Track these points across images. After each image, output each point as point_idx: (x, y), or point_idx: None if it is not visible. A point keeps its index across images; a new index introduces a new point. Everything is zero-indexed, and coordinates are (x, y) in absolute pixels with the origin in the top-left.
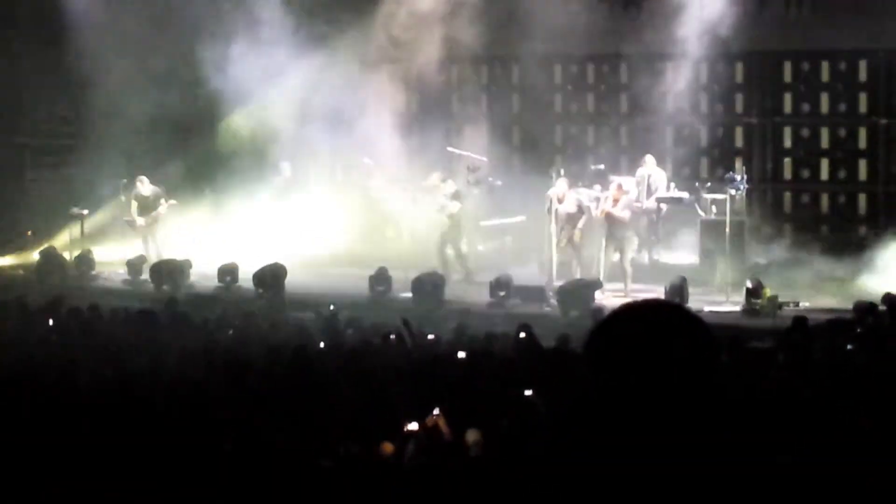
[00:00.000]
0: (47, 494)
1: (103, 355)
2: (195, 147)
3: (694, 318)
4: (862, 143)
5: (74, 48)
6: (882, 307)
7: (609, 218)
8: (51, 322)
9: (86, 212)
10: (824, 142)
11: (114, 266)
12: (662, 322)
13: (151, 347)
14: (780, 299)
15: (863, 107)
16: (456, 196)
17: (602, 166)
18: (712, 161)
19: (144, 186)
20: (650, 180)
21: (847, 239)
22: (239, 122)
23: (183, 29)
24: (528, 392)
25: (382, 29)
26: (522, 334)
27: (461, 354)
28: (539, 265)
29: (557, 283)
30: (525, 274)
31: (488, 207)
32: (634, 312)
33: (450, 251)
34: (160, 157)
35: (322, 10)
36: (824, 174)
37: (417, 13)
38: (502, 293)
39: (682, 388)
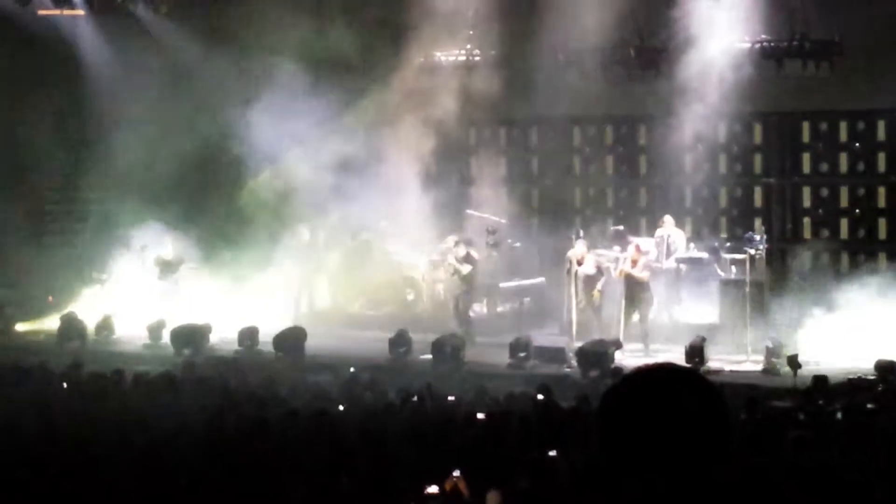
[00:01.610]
0: None
1: (126, 420)
2: (215, 211)
3: (706, 383)
4: (881, 201)
5: (93, 111)
6: None
7: (628, 279)
8: (70, 387)
9: (105, 276)
10: (843, 201)
11: (134, 330)
12: (674, 387)
13: (173, 412)
14: (801, 358)
15: (881, 166)
16: (467, 259)
17: (621, 227)
18: (731, 221)
19: (166, 250)
20: (669, 241)
21: None
22: (259, 185)
23: (204, 93)
24: (551, 453)
25: (402, 94)
26: (541, 396)
27: (480, 416)
28: (559, 326)
29: (577, 344)
30: (545, 335)
31: (507, 269)
32: (646, 377)
33: (458, 310)
34: (180, 220)
35: (343, 77)
36: (844, 233)
37: (437, 78)
38: (522, 354)
39: (693, 454)
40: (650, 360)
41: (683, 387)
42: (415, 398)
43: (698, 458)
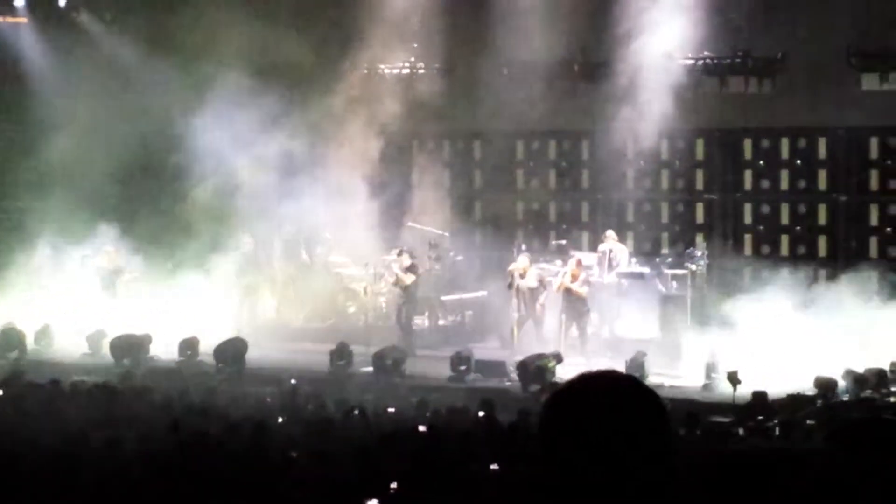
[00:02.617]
0: None
1: (62, 430)
2: (156, 219)
3: (646, 389)
4: (822, 219)
5: (33, 118)
6: (842, 382)
7: (568, 293)
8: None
9: (46, 285)
10: (784, 218)
11: (73, 340)
12: (615, 393)
13: (111, 422)
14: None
15: (822, 184)
16: (410, 269)
17: (563, 242)
18: (673, 237)
19: (107, 259)
20: (611, 255)
21: None
22: (201, 193)
23: (147, 100)
24: (492, 466)
25: (346, 104)
26: (482, 412)
27: (422, 429)
28: (500, 340)
29: (518, 358)
30: (486, 349)
31: (449, 282)
32: (587, 384)
33: (400, 323)
34: (120, 229)
35: (286, 87)
36: (784, 250)
37: (381, 89)
38: (463, 368)
39: (635, 461)
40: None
41: (625, 393)
42: (355, 411)
43: (640, 463)
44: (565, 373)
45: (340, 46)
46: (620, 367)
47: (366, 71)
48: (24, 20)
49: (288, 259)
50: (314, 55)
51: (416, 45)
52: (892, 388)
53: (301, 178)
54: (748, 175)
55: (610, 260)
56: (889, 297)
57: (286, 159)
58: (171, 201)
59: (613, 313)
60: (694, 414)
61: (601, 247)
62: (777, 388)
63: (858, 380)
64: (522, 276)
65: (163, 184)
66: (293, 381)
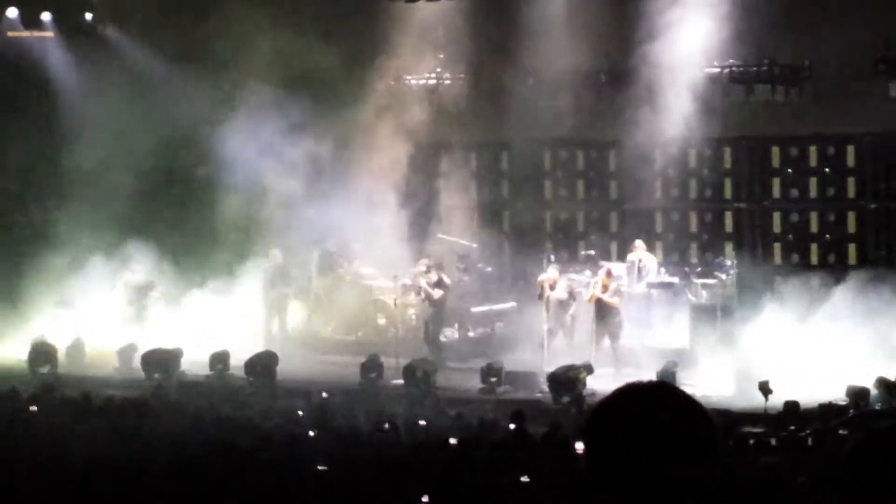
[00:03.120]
0: None
1: (95, 444)
2: (186, 233)
3: (691, 400)
4: (851, 227)
5: (64, 132)
6: (874, 391)
7: (599, 303)
8: (41, 411)
9: (78, 301)
10: (814, 226)
11: (105, 355)
12: (661, 404)
13: (143, 436)
14: (772, 384)
15: (851, 191)
16: (439, 284)
17: (592, 252)
18: (702, 246)
19: (136, 275)
20: (640, 265)
21: None
22: (230, 206)
23: (175, 112)
24: (523, 479)
25: (373, 116)
26: (513, 424)
27: (452, 441)
28: (530, 351)
29: (548, 369)
30: (516, 360)
31: (479, 294)
32: (632, 395)
33: (430, 335)
34: (151, 243)
35: (314, 99)
36: (814, 258)
37: (408, 100)
38: (493, 379)
39: (681, 472)
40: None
41: (671, 403)
42: (386, 424)
43: (687, 470)
44: (596, 384)
45: (367, 56)
46: (651, 377)
47: (392, 81)
48: (50, 34)
49: (324, 272)
50: (341, 65)
51: (441, 55)
52: None
53: (329, 188)
54: (776, 183)
55: (639, 270)
56: None
57: (313, 169)
58: (199, 213)
59: (643, 323)
60: (726, 425)
61: (630, 256)
62: (809, 398)
63: (891, 388)
64: (552, 287)
65: (191, 195)
66: (324, 395)
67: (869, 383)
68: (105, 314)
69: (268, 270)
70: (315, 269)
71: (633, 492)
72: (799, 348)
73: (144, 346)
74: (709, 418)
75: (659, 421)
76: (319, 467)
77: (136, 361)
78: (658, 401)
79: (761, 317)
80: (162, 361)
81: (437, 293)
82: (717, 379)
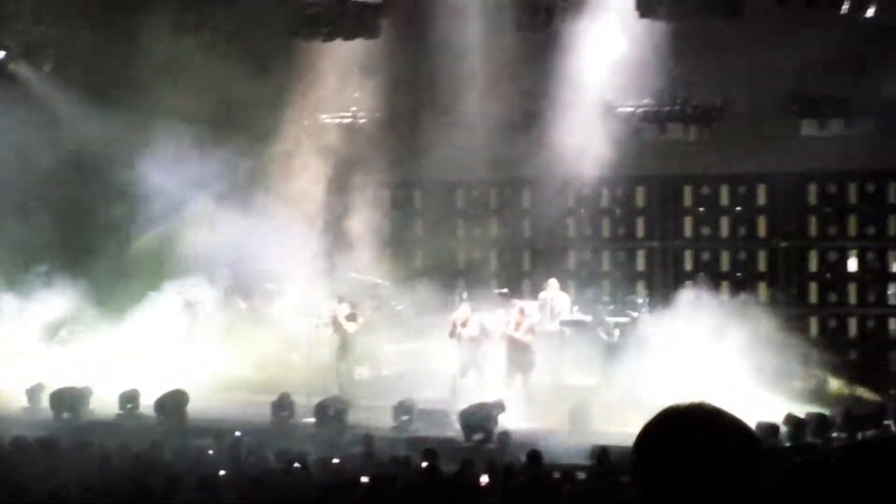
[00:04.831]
0: None
1: (3, 485)
2: (97, 271)
3: (735, 419)
4: (762, 265)
5: None
6: (784, 427)
7: (511, 341)
8: None
9: None
10: (724, 264)
11: (13, 394)
12: (705, 424)
13: (51, 477)
14: None
15: (762, 230)
16: (352, 318)
17: (505, 290)
18: (614, 284)
19: (48, 311)
20: (553, 303)
21: None
22: (142, 244)
23: (88, 151)
24: None
25: (287, 155)
26: (425, 462)
27: (364, 479)
28: (442, 389)
29: (461, 407)
30: (428, 398)
31: (390, 332)
32: (676, 417)
33: (342, 373)
34: (61, 281)
35: (228, 137)
36: (725, 296)
37: (322, 139)
38: (406, 417)
39: (728, 489)
40: (533, 424)
41: (713, 421)
42: (296, 463)
43: (733, 490)
44: (508, 422)
45: (283, 94)
46: (564, 416)
47: (308, 119)
48: None
49: (224, 308)
50: (257, 102)
51: (357, 94)
52: (834, 434)
53: (242, 223)
54: (688, 222)
55: (552, 308)
56: None
57: (227, 211)
58: (111, 250)
59: (556, 361)
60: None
61: (542, 294)
62: None
63: (800, 426)
64: (464, 324)
65: (104, 236)
66: (237, 433)
67: (778, 420)
68: (13, 350)
69: (179, 308)
70: (214, 306)
71: None
72: (712, 385)
73: (53, 385)
74: (753, 436)
75: (705, 441)
76: None
77: (45, 400)
78: (702, 421)
79: (673, 354)
80: (71, 400)
81: (350, 327)
82: (630, 416)
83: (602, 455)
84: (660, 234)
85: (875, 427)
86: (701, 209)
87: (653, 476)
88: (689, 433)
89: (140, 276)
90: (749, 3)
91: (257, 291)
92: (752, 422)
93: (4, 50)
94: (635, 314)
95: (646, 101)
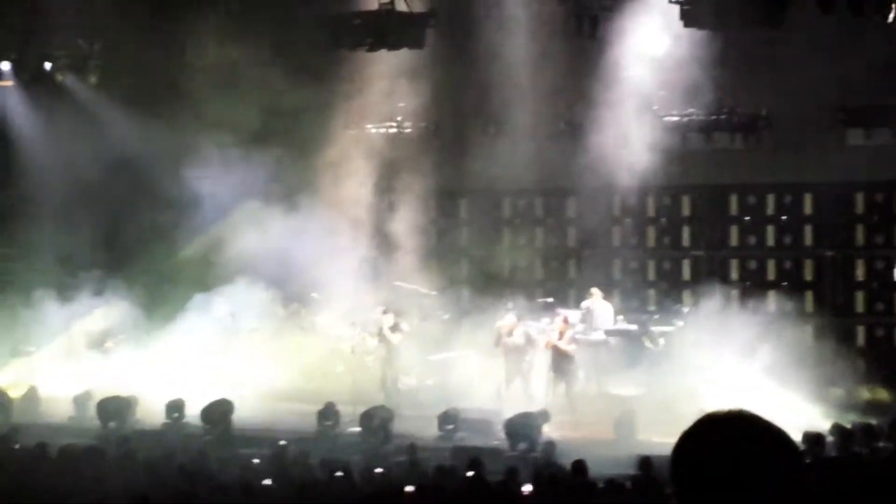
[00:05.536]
0: None
1: (51, 493)
2: (143, 281)
3: (773, 427)
4: (808, 275)
5: (21, 179)
6: (830, 437)
7: (555, 351)
8: None
9: (32, 348)
10: (771, 274)
11: (60, 403)
12: (744, 432)
13: (98, 486)
14: None
15: (808, 239)
16: (396, 329)
17: (550, 299)
18: (660, 293)
19: (94, 321)
20: (595, 313)
21: None
22: (188, 255)
23: (133, 161)
24: None
25: (333, 165)
26: (471, 471)
27: (409, 489)
28: (487, 398)
29: (505, 416)
30: (473, 407)
31: (436, 341)
32: (715, 425)
33: (387, 382)
34: (108, 290)
35: (275, 147)
36: (772, 306)
37: (368, 148)
38: (450, 427)
39: (768, 497)
40: (577, 433)
41: (752, 429)
42: (339, 472)
43: (773, 498)
44: (552, 431)
45: (329, 104)
46: (608, 425)
47: (354, 129)
48: (9, 83)
49: (269, 317)
50: (303, 113)
51: (402, 104)
52: (881, 444)
53: (288, 233)
54: (734, 231)
55: (593, 317)
56: None
57: (274, 221)
58: (157, 258)
59: (601, 370)
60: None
61: (584, 303)
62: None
63: (845, 435)
64: (509, 333)
65: (150, 246)
66: (282, 442)
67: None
68: (60, 360)
69: (216, 318)
70: (257, 315)
71: None
72: (756, 394)
73: (100, 394)
74: (791, 443)
75: (743, 447)
76: None
77: (92, 409)
78: (741, 428)
79: (718, 363)
80: (117, 409)
81: (395, 337)
82: (674, 425)
83: (646, 465)
84: (705, 243)
85: None
86: (747, 218)
87: (691, 482)
88: (727, 440)
89: (186, 284)
90: (794, 12)
91: (303, 300)
92: (797, 431)
93: (51, 61)
94: (680, 323)
95: (692, 110)
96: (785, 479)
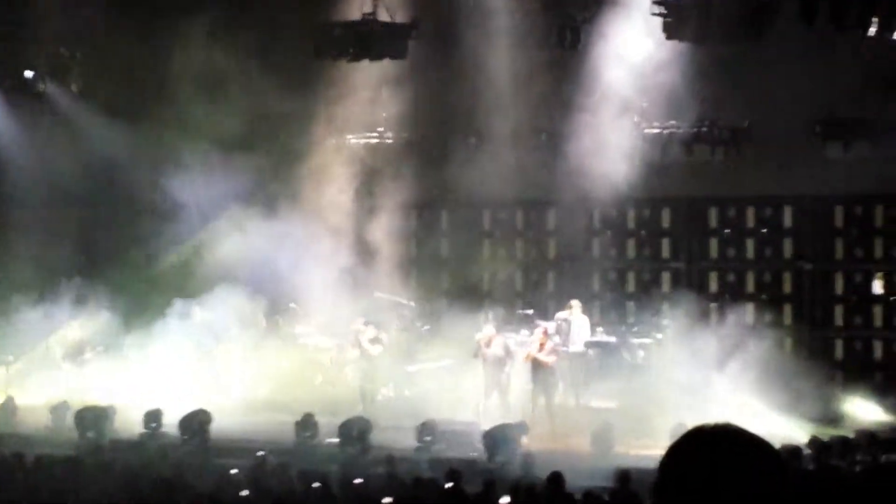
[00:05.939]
0: None
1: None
2: (120, 291)
3: (759, 440)
4: (787, 287)
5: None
6: (807, 450)
7: (535, 362)
8: None
9: (11, 357)
10: (750, 286)
11: (37, 412)
12: (730, 446)
13: (75, 497)
14: None
15: (787, 251)
16: (376, 340)
17: (530, 311)
18: (639, 305)
19: (72, 332)
20: (571, 325)
21: None
22: (168, 260)
23: (114, 170)
24: None
25: (313, 175)
26: (448, 483)
27: (387, 500)
28: (466, 410)
29: (484, 428)
30: (451, 418)
31: (415, 352)
32: (701, 438)
33: (365, 393)
34: (86, 300)
35: (254, 157)
36: (750, 319)
37: (349, 159)
38: (428, 438)
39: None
40: (555, 445)
41: (738, 442)
42: (317, 484)
43: None
44: (531, 443)
45: (310, 115)
46: (586, 438)
47: (334, 139)
48: None
49: (244, 327)
50: (284, 122)
51: (384, 114)
52: (858, 457)
53: (266, 244)
54: (714, 243)
55: (568, 330)
56: None
57: (253, 232)
58: (137, 266)
59: (580, 382)
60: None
61: (559, 315)
62: None
63: (823, 448)
64: (488, 345)
65: (129, 255)
66: (260, 453)
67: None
68: (38, 369)
69: (194, 327)
70: (235, 324)
71: None
72: (733, 407)
73: (78, 403)
74: (778, 457)
75: (730, 461)
76: None
77: (69, 419)
78: (729, 443)
79: (695, 376)
80: (95, 419)
81: (375, 349)
82: (653, 437)
83: (624, 478)
84: (685, 255)
85: None
86: (727, 231)
87: (679, 497)
88: (715, 454)
89: (166, 293)
90: (775, 25)
91: (282, 310)
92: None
93: (33, 70)
94: (659, 336)
95: (672, 122)
96: (773, 493)
